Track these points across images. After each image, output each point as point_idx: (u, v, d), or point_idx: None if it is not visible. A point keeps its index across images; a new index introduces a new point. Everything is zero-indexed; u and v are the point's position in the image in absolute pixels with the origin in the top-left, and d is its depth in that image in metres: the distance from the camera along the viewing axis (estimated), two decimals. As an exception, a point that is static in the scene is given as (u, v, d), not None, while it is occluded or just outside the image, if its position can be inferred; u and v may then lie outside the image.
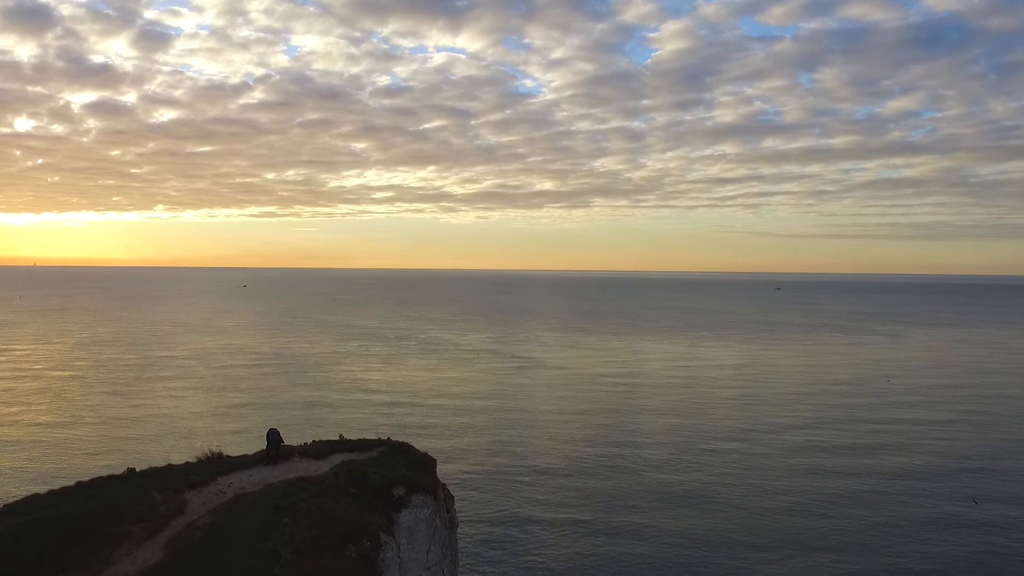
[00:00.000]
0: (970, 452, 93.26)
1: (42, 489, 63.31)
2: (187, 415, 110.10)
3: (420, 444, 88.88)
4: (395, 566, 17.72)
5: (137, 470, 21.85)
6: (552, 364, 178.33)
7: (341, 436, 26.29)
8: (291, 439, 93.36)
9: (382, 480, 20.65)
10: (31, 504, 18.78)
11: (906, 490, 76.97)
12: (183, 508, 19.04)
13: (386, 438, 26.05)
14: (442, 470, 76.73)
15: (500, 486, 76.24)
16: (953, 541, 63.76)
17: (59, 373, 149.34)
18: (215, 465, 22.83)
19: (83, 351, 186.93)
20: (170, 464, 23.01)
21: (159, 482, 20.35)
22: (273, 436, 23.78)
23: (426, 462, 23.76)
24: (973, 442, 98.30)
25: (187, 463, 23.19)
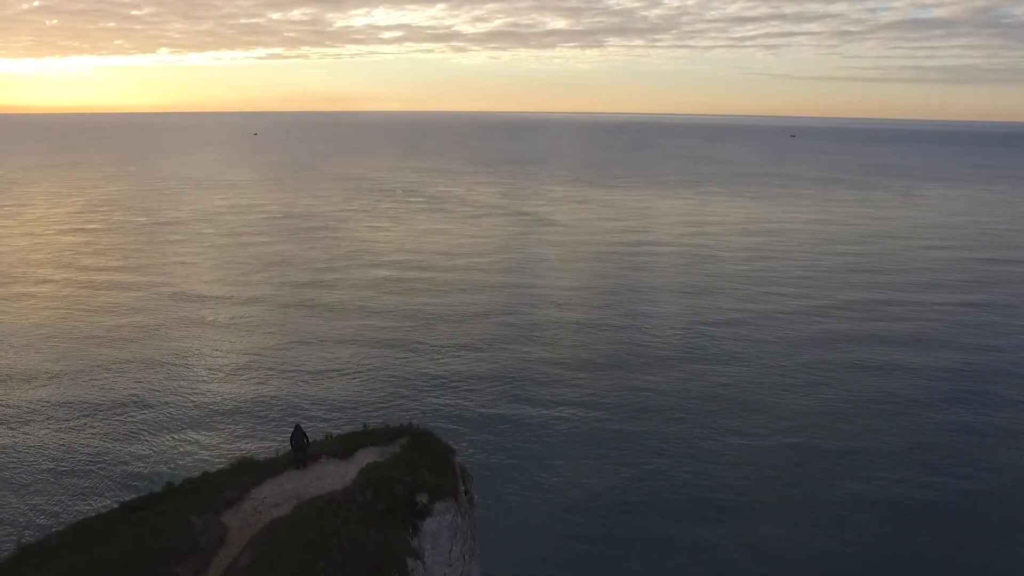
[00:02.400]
0: (955, 342, 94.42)
1: (63, 395, 65.46)
2: (197, 286, 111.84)
3: (426, 330, 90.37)
4: (422, 585, 19.55)
5: (175, 484, 23.50)
6: (561, 223, 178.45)
7: (365, 426, 27.50)
8: (300, 316, 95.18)
9: (406, 490, 22.24)
10: (80, 535, 20.31)
11: (904, 386, 77.59)
12: (223, 537, 20.54)
13: (407, 423, 27.17)
14: (447, 365, 78.19)
15: (506, 385, 75.87)
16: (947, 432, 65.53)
17: (71, 239, 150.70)
18: (246, 473, 24.12)
19: (94, 213, 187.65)
20: (204, 472, 24.32)
21: (197, 502, 21.89)
22: (298, 441, 24.71)
23: (446, 456, 24.95)
24: (961, 329, 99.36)
25: (220, 470, 24.63)
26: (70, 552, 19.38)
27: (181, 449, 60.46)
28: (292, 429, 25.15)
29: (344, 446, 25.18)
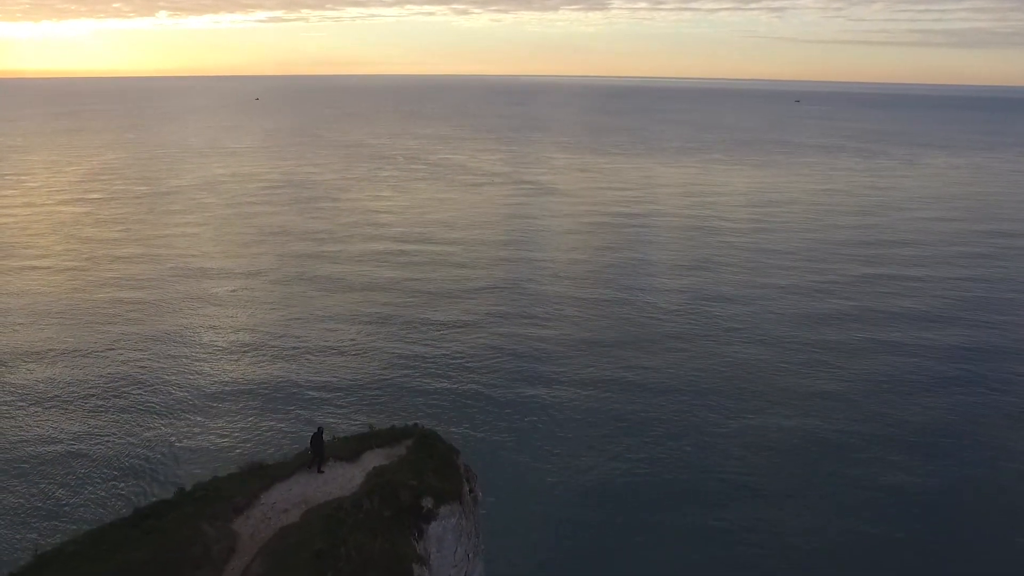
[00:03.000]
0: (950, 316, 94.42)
1: (76, 367, 65.10)
2: (199, 260, 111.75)
3: (427, 306, 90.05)
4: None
5: (186, 489, 23.97)
6: (563, 192, 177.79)
7: (371, 427, 27.89)
8: (302, 291, 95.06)
9: (412, 495, 22.76)
10: (95, 544, 20.77)
11: (908, 365, 77.38)
12: (234, 544, 21.04)
13: (413, 424, 27.56)
14: (448, 343, 77.77)
15: (507, 363, 76.03)
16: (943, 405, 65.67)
17: (72, 209, 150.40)
18: (256, 479, 24.48)
19: (94, 182, 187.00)
20: (215, 477, 24.72)
21: (207, 508, 22.35)
22: (318, 447, 25.26)
23: (451, 458, 25.50)
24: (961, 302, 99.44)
25: (229, 475, 25.14)
26: (86, 561, 19.91)
27: (183, 429, 60.86)
28: (314, 431, 25.50)
29: (351, 449, 25.64)
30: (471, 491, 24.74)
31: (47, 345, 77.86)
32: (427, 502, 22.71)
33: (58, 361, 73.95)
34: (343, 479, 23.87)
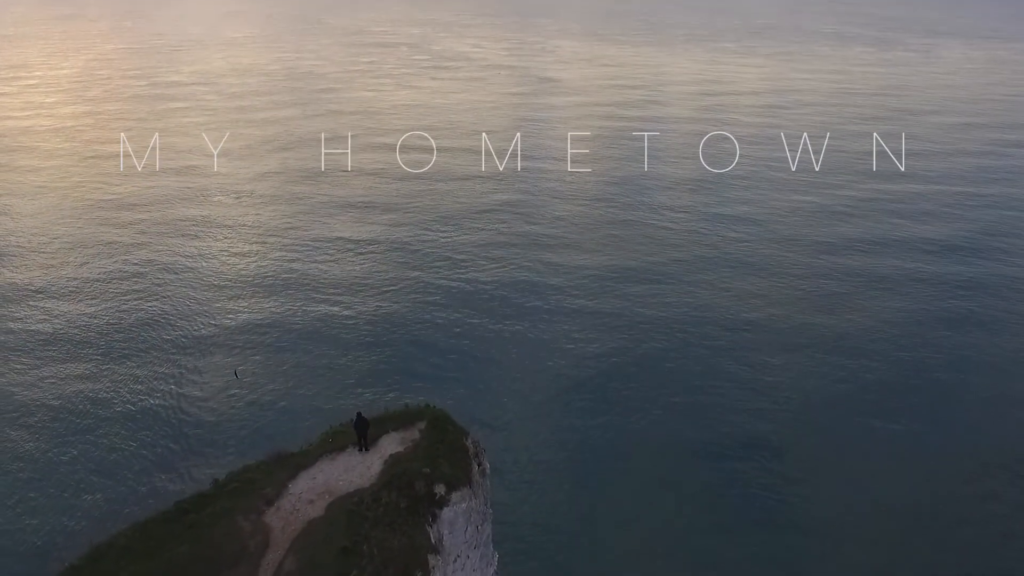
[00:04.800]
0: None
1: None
2: (203, 158, 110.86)
3: (427, 220, 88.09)
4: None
5: (219, 480, 25.74)
6: (568, 88, 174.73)
7: (386, 411, 29.28)
8: (306, 196, 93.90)
9: (426, 484, 24.44)
10: (143, 539, 22.63)
11: (921, 302, 74.71)
12: (268, 538, 22.88)
13: (424, 405, 29.11)
14: (453, 265, 75.95)
15: (508, 280, 75.41)
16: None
17: (71, 109, 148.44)
18: (283, 468, 26.02)
19: (91, 78, 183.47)
20: (245, 467, 26.51)
21: (241, 501, 24.16)
22: (362, 430, 26.80)
23: (461, 442, 26.91)
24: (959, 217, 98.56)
25: (258, 463, 26.69)
26: (136, 557, 22.02)
27: (187, 368, 61.59)
28: (354, 417, 27.26)
29: (368, 434, 27.12)
30: (480, 465, 26.16)
31: (56, 273, 76.75)
32: (440, 489, 24.46)
33: (68, 294, 72.52)
34: (362, 467, 25.73)
